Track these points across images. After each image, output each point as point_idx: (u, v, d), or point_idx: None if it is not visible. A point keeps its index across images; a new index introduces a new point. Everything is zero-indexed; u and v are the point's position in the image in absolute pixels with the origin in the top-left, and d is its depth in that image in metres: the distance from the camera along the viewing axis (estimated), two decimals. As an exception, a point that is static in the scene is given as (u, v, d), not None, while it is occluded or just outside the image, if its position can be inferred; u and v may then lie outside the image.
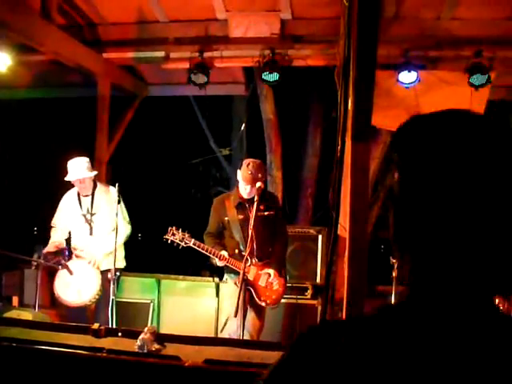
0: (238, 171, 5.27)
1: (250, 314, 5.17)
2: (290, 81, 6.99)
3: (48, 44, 6.47)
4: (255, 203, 4.98)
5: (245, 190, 5.17)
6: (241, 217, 5.23)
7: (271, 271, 5.23)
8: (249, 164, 5.18)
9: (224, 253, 5.18)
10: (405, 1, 6.38)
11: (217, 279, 6.68)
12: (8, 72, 6.38)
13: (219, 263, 5.22)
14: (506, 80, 7.18)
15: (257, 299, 5.20)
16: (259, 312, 5.31)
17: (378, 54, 4.80)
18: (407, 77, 6.61)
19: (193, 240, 5.21)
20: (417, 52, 6.62)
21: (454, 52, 6.70)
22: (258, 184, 5.10)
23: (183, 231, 5.24)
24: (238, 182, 5.32)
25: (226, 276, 5.52)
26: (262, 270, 5.22)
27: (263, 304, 5.25)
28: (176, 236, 5.22)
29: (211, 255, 5.20)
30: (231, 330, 5.16)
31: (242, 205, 5.23)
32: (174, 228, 5.24)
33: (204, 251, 5.19)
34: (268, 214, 5.32)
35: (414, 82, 6.61)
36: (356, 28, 4.72)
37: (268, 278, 5.22)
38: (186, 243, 5.21)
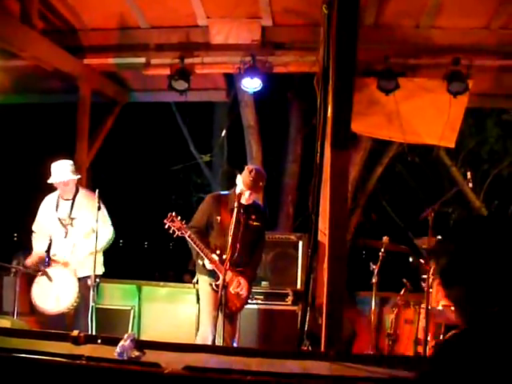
0: (239, 175, 5.27)
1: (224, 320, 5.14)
2: (270, 87, 7.01)
3: (28, 49, 6.43)
4: (235, 209, 4.98)
5: (242, 195, 5.16)
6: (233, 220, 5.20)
7: (243, 281, 5.25)
8: (252, 170, 5.21)
9: (215, 257, 5.16)
10: (385, 9, 6.45)
11: (197, 285, 6.63)
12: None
13: (208, 266, 5.20)
14: (483, 87, 7.27)
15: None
16: (231, 317, 5.32)
17: (358, 61, 4.85)
18: (387, 84, 6.67)
19: (189, 232, 5.16)
20: (396, 59, 6.68)
21: (432, 60, 6.78)
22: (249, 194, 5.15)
23: (181, 220, 5.20)
24: (235, 185, 5.30)
25: (197, 276, 5.53)
26: (235, 276, 5.23)
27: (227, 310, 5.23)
28: (174, 223, 5.17)
29: (202, 254, 5.17)
30: (204, 337, 5.16)
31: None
32: (174, 214, 5.19)
33: (197, 248, 5.15)
34: (256, 225, 5.37)
35: (394, 89, 6.67)
36: (335, 36, 4.76)
37: (238, 286, 5.23)
38: (182, 233, 5.15)
